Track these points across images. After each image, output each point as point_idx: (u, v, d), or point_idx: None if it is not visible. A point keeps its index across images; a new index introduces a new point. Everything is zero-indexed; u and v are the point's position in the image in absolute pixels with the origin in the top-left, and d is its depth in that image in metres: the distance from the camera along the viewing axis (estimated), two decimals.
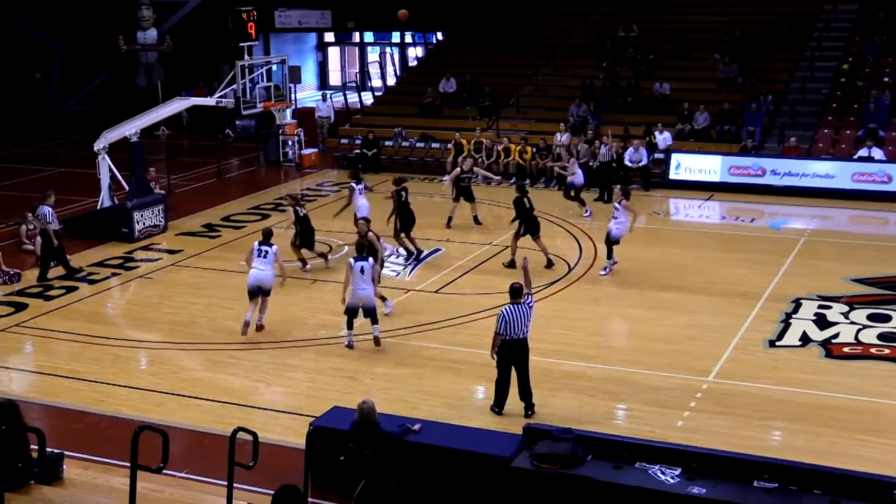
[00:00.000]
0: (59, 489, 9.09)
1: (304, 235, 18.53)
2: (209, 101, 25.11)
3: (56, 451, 9.37)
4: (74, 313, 16.83)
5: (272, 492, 7.30)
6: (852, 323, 15.50)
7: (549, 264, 18.38)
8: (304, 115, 32.64)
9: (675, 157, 25.66)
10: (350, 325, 14.96)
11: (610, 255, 18.10)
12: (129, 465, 8.07)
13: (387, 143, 28.95)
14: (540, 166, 26.09)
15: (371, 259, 15.06)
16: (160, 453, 8.13)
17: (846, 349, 14.55)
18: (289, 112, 29.91)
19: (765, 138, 26.40)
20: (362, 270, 14.68)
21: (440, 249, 20.02)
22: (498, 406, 12.45)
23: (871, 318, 15.70)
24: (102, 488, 9.43)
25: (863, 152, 24.46)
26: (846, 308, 16.11)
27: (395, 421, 10.49)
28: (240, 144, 32.73)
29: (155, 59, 37.54)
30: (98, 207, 22.25)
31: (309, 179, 27.73)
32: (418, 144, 28.94)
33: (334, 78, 45.25)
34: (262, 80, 26.32)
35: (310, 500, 9.32)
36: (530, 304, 12.32)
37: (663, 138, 26.03)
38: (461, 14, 35.55)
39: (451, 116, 29.83)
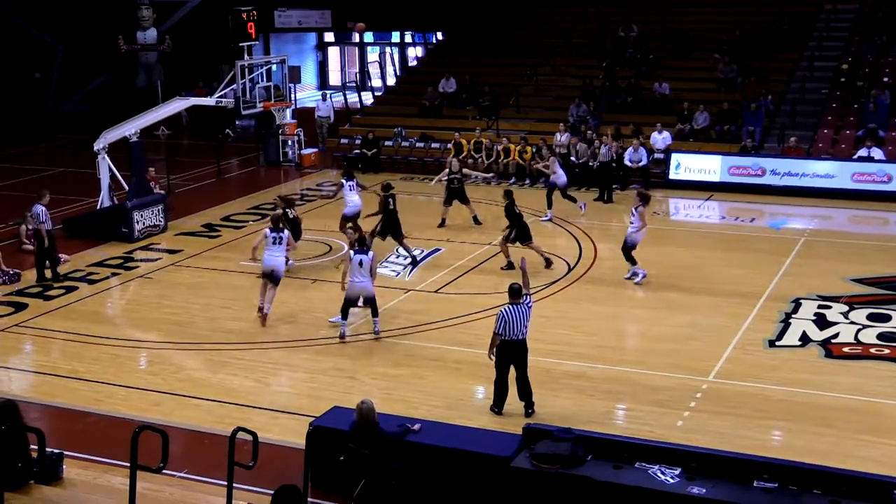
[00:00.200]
0: (59, 489, 9.09)
1: (293, 237, 18.35)
2: (209, 101, 25.11)
3: (56, 451, 9.36)
4: (74, 313, 16.83)
5: (272, 492, 7.29)
6: (852, 323, 15.50)
7: (548, 264, 18.38)
8: (304, 115, 32.64)
9: (675, 157, 25.65)
10: (344, 315, 15.02)
11: (633, 262, 17.61)
12: (128, 465, 8.07)
13: (387, 143, 28.95)
14: (531, 169, 26.08)
15: (372, 252, 15.15)
16: (160, 453, 8.13)
17: (846, 349, 14.55)
18: (288, 112, 29.91)
19: (765, 138, 26.40)
20: (361, 263, 14.75)
21: (439, 249, 20.02)
22: (497, 406, 12.45)
23: (870, 318, 15.70)
24: (102, 488, 9.43)
25: (862, 152, 24.46)
26: (846, 308, 16.11)
27: (394, 421, 10.48)
28: (240, 144, 32.74)
29: (155, 59, 37.56)
30: (98, 207, 22.25)
31: (309, 179, 27.73)
32: (418, 144, 28.94)
33: (334, 78, 45.24)
34: (262, 80, 26.32)
35: (309, 500, 9.30)
36: (529, 305, 12.32)
37: (662, 138, 26.03)
38: (461, 14, 35.55)
39: (451, 116, 29.83)
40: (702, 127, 26.77)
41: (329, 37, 45.19)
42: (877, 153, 24.29)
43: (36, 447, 8.93)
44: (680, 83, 28.92)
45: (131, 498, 8.05)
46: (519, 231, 18.43)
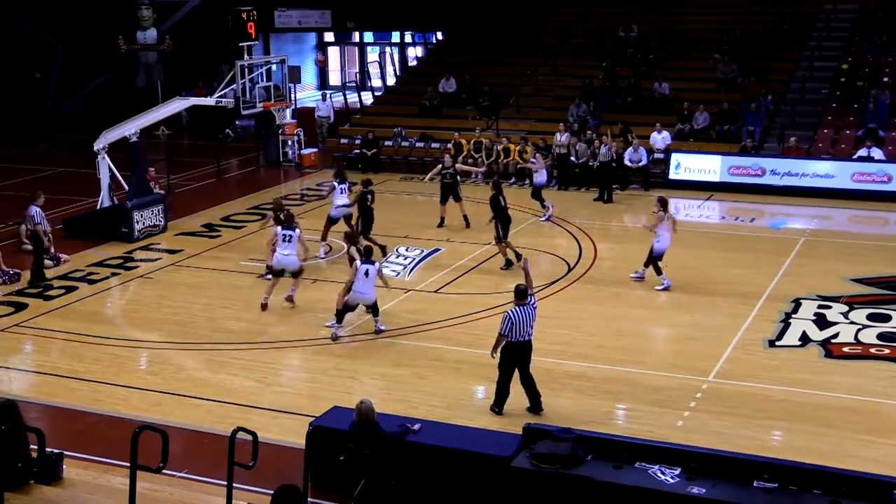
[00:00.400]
0: (59, 489, 9.08)
1: None
2: (209, 101, 25.12)
3: (56, 451, 9.35)
4: (74, 313, 16.83)
5: (272, 492, 7.28)
6: (852, 323, 15.50)
7: (508, 265, 18.41)
8: (304, 115, 32.64)
9: (675, 157, 25.65)
10: (340, 319, 15.11)
11: (659, 270, 17.23)
12: (128, 465, 8.06)
13: (386, 143, 28.95)
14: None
15: (377, 263, 15.20)
16: (160, 453, 8.13)
17: (846, 349, 14.55)
18: (288, 112, 29.92)
19: (765, 138, 26.40)
20: (367, 273, 14.77)
21: (439, 249, 20.01)
22: (498, 406, 12.45)
23: (870, 317, 15.70)
24: (102, 488, 9.43)
25: (862, 152, 24.46)
26: (846, 308, 16.11)
27: (394, 421, 10.48)
28: (239, 144, 32.73)
29: (155, 59, 37.56)
30: (98, 207, 22.24)
31: (308, 179, 27.72)
32: (418, 144, 28.94)
33: (334, 78, 45.24)
34: (262, 80, 26.33)
35: (309, 500, 9.30)
36: (534, 306, 12.32)
37: (662, 138, 26.04)
38: (461, 14, 35.56)
39: (451, 116, 29.83)
40: (702, 127, 26.77)
41: (329, 37, 45.18)
42: (877, 153, 24.29)
43: (36, 447, 8.93)
44: (680, 83, 28.92)
45: (131, 498, 8.05)
46: (503, 223, 18.46)
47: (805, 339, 14.95)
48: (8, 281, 18.36)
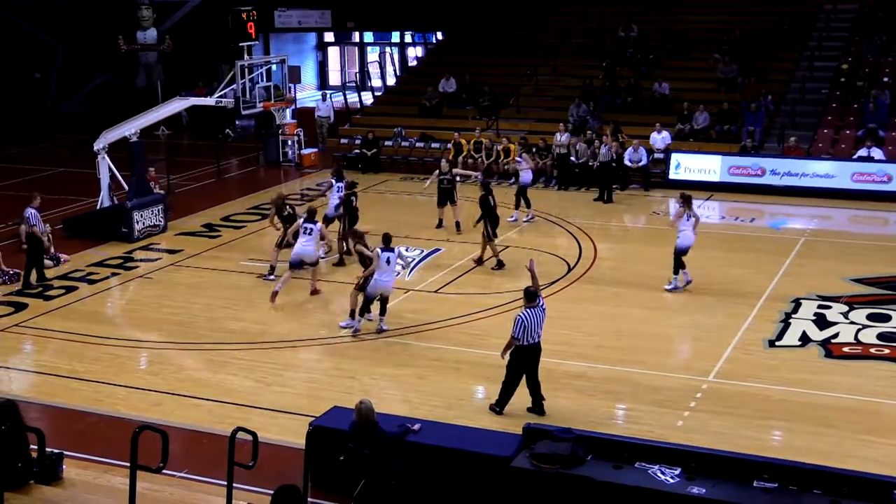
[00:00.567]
0: (59, 489, 9.08)
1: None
2: (209, 101, 25.12)
3: (56, 451, 9.35)
4: (74, 313, 16.83)
5: (272, 492, 7.29)
6: (852, 323, 15.50)
7: (479, 262, 18.54)
8: (304, 115, 32.64)
9: (675, 157, 25.65)
10: (363, 312, 15.13)
11: (677, 269, 17.10)
12: (128, 465, 8.07)
13: (386, 143, 28.95)
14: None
15: (397, 249, 15.32)
16: (160, 453, 8.13)
17: (846, 349, 14.55)
18: (288, 112, 29.92)
19: (765, 138, 26.40)
20: (388, 261, 14.85)
21: (440, 249, 20.01)
22: (500, 406, 12.42)
23: (870, 317, 15.70)
24: (102, 488, 9.43)
25: (862, 152, 24.46)
26: (846, 308, 16.11)
27: (394, 421, 10.48)
28: (240, 144, 32.73)
29: (155, 59, 37.56)
30: (98, 207, 22.24)
31: (308, 179, 27.72)
32: (418, 144, 28.93)
33: (334, 78, 45.24)
34: (262, 80, 26.33)
35: (309, 500, 9.30)
36: (543, 307, 12.30)
37: (662, 138, 26.05)
38: (461, 14, 35.56)
39: (451, 116, 29.83)
40: (702, 127, 26.77)
41: (329, 37, 45.18)
42: (877, 153, 24.29)
43: (36, 447, 8.93)
44: (680, 83, 28.92)
45: (131, 498, 8.05)
46: (492, 222, 18.52)
47: (805, 339, 14.95)
48: (8, 281, 18.36)
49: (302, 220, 17.25)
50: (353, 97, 33.65)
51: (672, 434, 11.69)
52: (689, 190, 24.64)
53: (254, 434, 8.47)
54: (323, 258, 19.05)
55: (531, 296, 12.18)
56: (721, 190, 24.75)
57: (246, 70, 25.10)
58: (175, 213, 22.97)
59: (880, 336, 14.95)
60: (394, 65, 36.77)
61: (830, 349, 14.54)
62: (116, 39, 35.91)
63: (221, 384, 13.72)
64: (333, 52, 46.44)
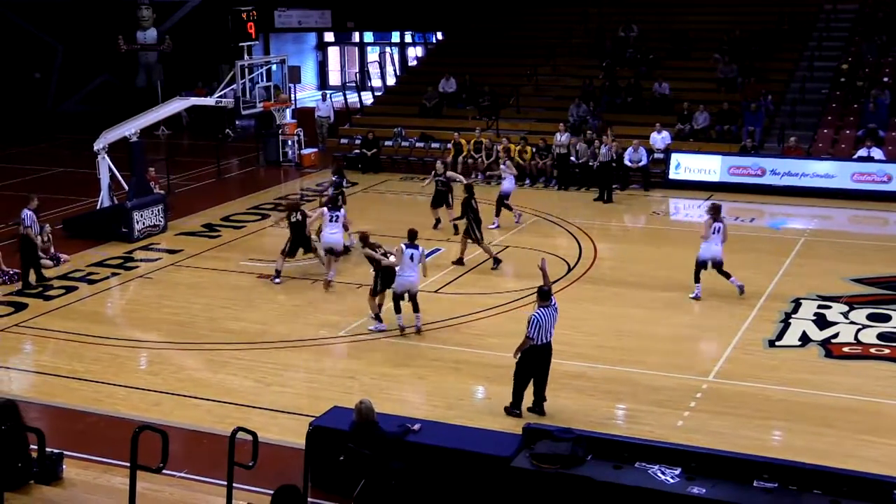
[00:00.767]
0: (59, 489, 9.08)
1: (294, 243, 18.23)
2: (209, 101, 25.12)
3: (56, 451, 9.36)
4: (74, 313, 16.83)
5: (272, 492, 7.29)
6: (852, 323, 15.50)
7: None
8: (304, 115, 32.64)
9: (675, 157, 25.65)
10: (398, 309, 15.11)
11: (697, 279, 16.78)
12: (128, 465, 8.07)
13: (386, 143, 28.95)
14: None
15: (421, 247, 15.39)
16: (160, 453, 8.13)
17: (846, 349, 14.55)
18: (288, 112, 29.92)
19: (765, 138, 26.40)
20: (412, 258, 14.90)
21: (440, 249, 20.01)
22: (516, 407, 12.32)
23: (870, 317, 15.71)
24: (102, 488, 9.43)
25: (862, 152, 24.46)
26: (846, 308, 16.11)
27: (395, 421, 10.48)
28: (240, 144, 32.73)
29: (155, 59, 37.56)
30: (98, 207, 22.24)
31: (308, 179, 27.72)
32: (418, 144, 28.94)
33: (334, 78, 45.24)
34: (262, 80, 26.33)
35: (309, 500, 9.30)
36: (556, 307, 12.27)
37: (662, 138, 26.05)
38: (461, 14, 35.55)
39: (451, 116, 29.83)
40: (702, 127, 26.77)
41: (329, 37, 45.19)
42: (877, 153, 24.29)
43: (36, 447, 8.93)
44: (680, 83, 28.92)
45: (131, 498, 8.05)
46: (475, 224, 18.62)
47: (805, 339, 14.95)
48: (8, 281, 18.36)
49: (326, 209, 17.90)
50: (353, 97, 33.65)
51: (672, 434, 11.69)
52: (689, 190, 24.96)
53: (254, 434, 8.47)
54: (348, 246, 18.91)
55: (545, 295, 12.14)
56: (721, 190, 24.71)
57: (246, 70, 25.10)
58: (175, 213, 22.97)
59: (880, 336, 14.95)
60: (394, 65, 36.78)
61: (830, 349, 14.54)
62: (116, 39, 35.90)
63: (221, 384, 13.72)
64: (333, 52, 46.44)
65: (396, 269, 15.15)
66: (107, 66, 39.35)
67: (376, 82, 34.71)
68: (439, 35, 38.77)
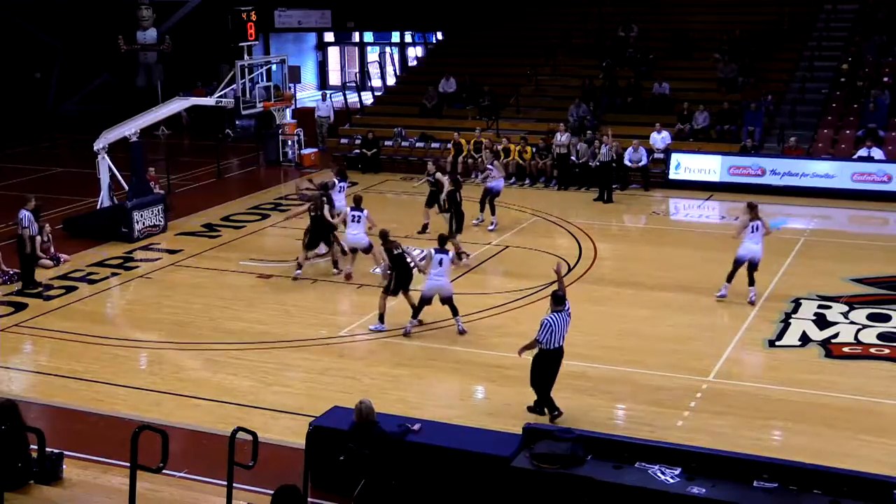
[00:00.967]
0: (59, 489, 9.09)
1: (314, 235, 18.35)
2: (209, 101, 25.12)
3: (56, 451, 9.36)
4: (74, 313, 16.83)
5: (272, 492, 7.29)
6: (852, 323, 15.50)
7: (459, 258, 18.50)
8: (304, 115, 32.64)
9: (675, 157, 25.64)
10: (417, 314, 15.16)
11: (730, 278, 16.59)
12: (128, 465, 8.07)
13: (386, 143, 28.94)
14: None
15: (451, 252, 15.55)
16: (160, 453, 8.13)
17: (846, 349, 14.55)
18: (288, 112, 29.92)
19: (765, 138, 26.38)
20: (441, 262, 14.95)
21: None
22: (556, 410, 12.25)
23: (870, 317, 15.70)
24: (102, 488, 9.43)
25: (862, 152, 24.45)
26: (846, 308, 16.11)
27: (395, 421, 10.48)
28: (240, 144, 32.72)
29: (155, 59, 37.53)
30: (98, 207, 22.25)
31: (308, 179, 27.68)
32: (418, 144, 28.93)
33: (334, 78, 45.24)
34: (262, 80, 26.32)
35: (309, 500, 9.31)
36: (569, 313, 12.24)
37: (662, 138, 26.05)
38: (461, 14, 35.54)
39: (451, 116, 29.82)
40: (702, 127, 26.76)
41: (329, 37, 45.18)
42: (877, 153, 24.28)
43: (36, 447, 8.93)
44: (680, 83, 28.90)
45: (131, 498, 8.05)
46: (457, 219, 18.76)
47: (805, 339, 14.95)
48: (8, 281, 18.36)
49: (349, 208, 17.94)
50: (353, 97, 33.63)
51: (672, 434, 11.68)
52: (689, 190, 24.96)
53: (254, 434, 8.47)
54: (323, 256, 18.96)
55: (559, 300, 12.09)
56: (721, 190, 24.74)
57: (246, 70, 25.09)
58: (175, 213, 22.98)
59: (880, 336, 14.95)
60: (394, 65, 36.77)
61: (830, 349, 14.54)
62: (116, 39, 35.89)
63: (221, 384, 13.72)
64: (333, 52, 46.42)
65: (415, 271, 15.47)
66: (106, 66, 39.33)
67: (376, 82, 34.71)
68: (439, 35, 38.75)
